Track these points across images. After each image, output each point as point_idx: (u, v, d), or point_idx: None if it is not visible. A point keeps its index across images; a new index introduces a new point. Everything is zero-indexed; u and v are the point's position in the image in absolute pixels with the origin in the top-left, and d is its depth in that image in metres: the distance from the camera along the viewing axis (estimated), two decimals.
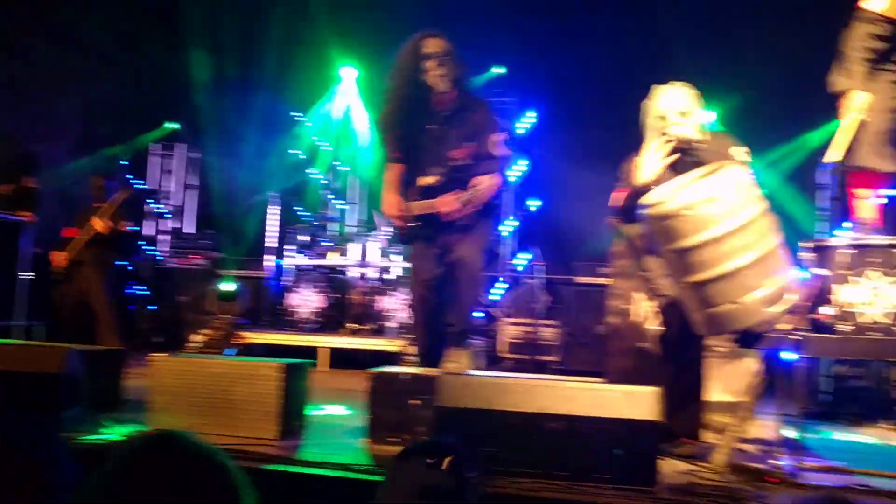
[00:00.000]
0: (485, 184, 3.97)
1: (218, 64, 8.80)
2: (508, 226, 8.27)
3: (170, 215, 9.74)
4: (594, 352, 6.51)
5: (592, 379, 3.69)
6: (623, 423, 2.89)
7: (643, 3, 7.90)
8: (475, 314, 4.20)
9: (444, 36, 4.09)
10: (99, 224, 6.34)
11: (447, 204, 3.96)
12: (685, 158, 3.54)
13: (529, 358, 6.90)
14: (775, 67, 7.33)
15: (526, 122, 8.49)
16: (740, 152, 3.54)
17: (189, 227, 9.76)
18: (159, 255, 9.13)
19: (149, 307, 8.43)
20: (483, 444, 2.92)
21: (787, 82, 7.28)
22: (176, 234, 9.24)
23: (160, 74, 9.02)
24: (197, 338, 6.76)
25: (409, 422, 3.42)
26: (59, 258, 6.44)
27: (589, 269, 7.27)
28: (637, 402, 2.92)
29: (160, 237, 9.50)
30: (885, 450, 4.40)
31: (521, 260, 7.95)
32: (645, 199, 3.36)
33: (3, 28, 8.48)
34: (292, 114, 9.10)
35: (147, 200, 9.69)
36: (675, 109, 3.56)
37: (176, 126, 9.72)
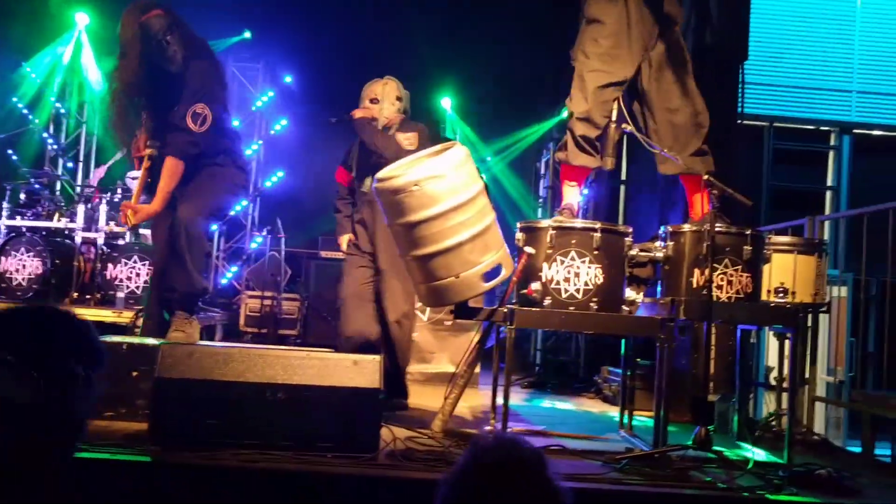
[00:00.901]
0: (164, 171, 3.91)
1: None
2: (250, 196, 8.11)
3: None
4: (334, 326, 6.59)
5: (323, 349, 3.75)
6: (346, 392, 2.97)
7: None
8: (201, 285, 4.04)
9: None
10: None
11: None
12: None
13: (270, 331, 6.84)
14: (507, 65, 7.83)
15: (270, 94, 8.34)
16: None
17: None
18: None
19: None
20: (207, 415, 2.87)
21: (514, 80, 7.83)
22: None
23: None
24: None
25: (129, 394, 3.28)
26: None
27: (332, 243, 7.33)
28: (360, 370, 3.02)
29: None
30: (579, 415, 4.94)
31: (263, 232, 7.84)
32: (378, 174, 3.46)
33: None
34: (15, 59, 8.18)
35: None
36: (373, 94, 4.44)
37: None
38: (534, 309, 3.43)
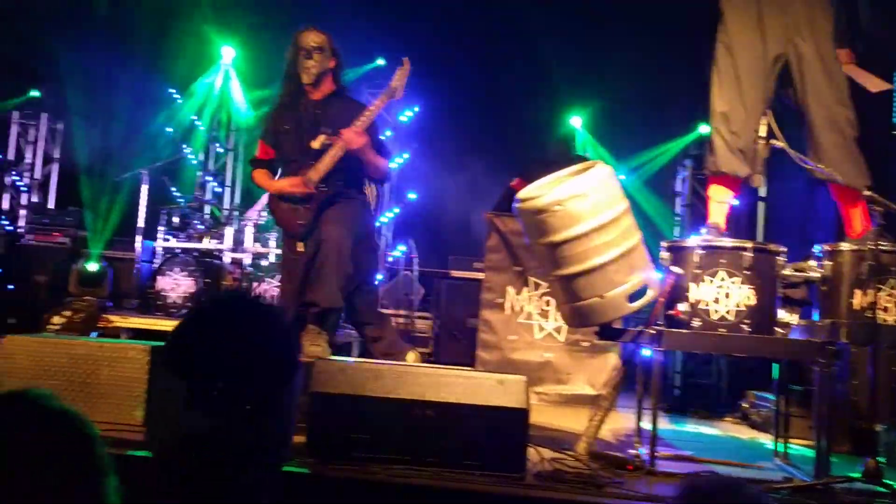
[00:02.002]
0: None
1: (88, 31, 8.37)
2: (386, 217, 8.32)
3: (26, 189, 9.16)
4: (465, 344, 6.64)
5: (463, 368, 3.79)
6: (493, 411, 2.98)
7: (520, 10, 8.12)
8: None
9: (317, 28, 4.20)
10: None
11: (352, 137, 3.98)
12: None
13: None
14: (640, 79, 7.71)
15: (408, 114, 8.54)
16: None
17: (51, 203, 9.22)
18: (14, 229, 8.60)
19: (2, 286, 7.93)
20: (358, 430, 2.95)
21: (650, 94, 7.69)
22: (36, 209, 8.72)
23: (24, 40, 8.48)
24: (55, 320, 6.40)
25: None
26: None
27: (463, 262, 7.41)
28: (507, 389, 3.02)
29: (20, 212, 8.94)
30: (726, 440, 4.75)
31: (397, 252, 8.01)
32: (518, 194, 3.48)
33: None
34: (170, 91, 8.76)
35: (7, 172, 9.09)
36: None
37: (37, 94, 9.15)
38: (682, 331, 3.34)
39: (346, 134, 4.02)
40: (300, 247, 4.17)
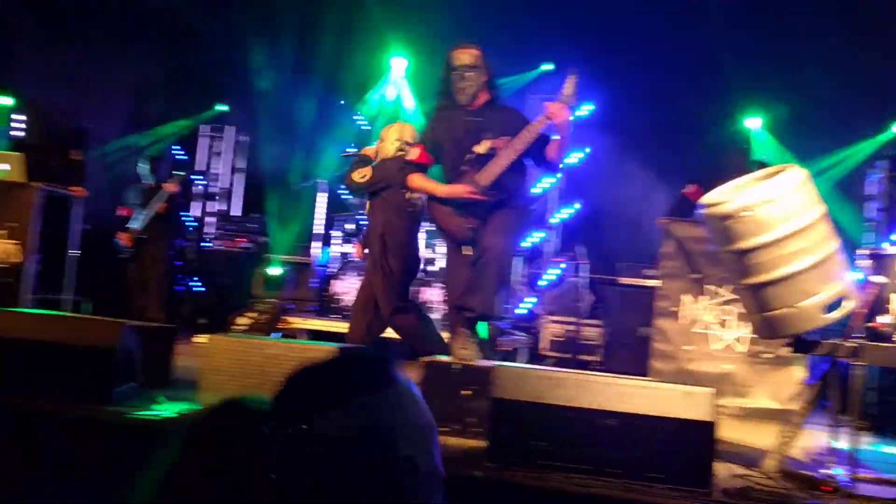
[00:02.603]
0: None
1: (271, 48, 8.90)
2: (553, 222, 8.28)
3: (217, 198, 9.88)
4: (636, 353, 6.49)
5: (645, 378, 3.70)
6: (679, 423, 2.89)
7: (697, 8, 7.84)
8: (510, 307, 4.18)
9: (471, 44, 4.24)
10: (169, 187, 6.76)
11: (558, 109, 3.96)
12: None
13: (571, 356, 6.90)
14: (826, 76, 7.23)
15: (580, 113, 8.45)
16: None
17: (236, 211, 9.89)
18: (206, 238, 9.30)
19: (194, 288, 8.58)
20: (538, 437, 2.95)
21: (837, 91, 7.19)
22: (223, 216, 9.37)
23: (212, 56, 9.15)
24: (241, 320, 6.84)
25: (460, 412, 3.46)
26: (126, 238, 6.70)
27: (633, 269, 7.24)
28: (694, 402, 2.92)
29: (207, 219, 9.65)
30: None
31: (565, 258, 7.95)
32: (704, 199, 3.35)
33: (58, 6, 8.69)
34: (342, 102, 9.15)
35: (195, 180, 9.85)
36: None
37: (225, 108, 9.84)
38: (885, 345, 3.10)
39: (552, 107, 3.96)
40: (467, 250, 4.21)
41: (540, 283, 7.95)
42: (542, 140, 4.09)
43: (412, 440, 1.05)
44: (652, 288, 5.95)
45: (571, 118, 4.07)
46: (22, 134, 8.50)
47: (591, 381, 3.07)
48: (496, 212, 4.10)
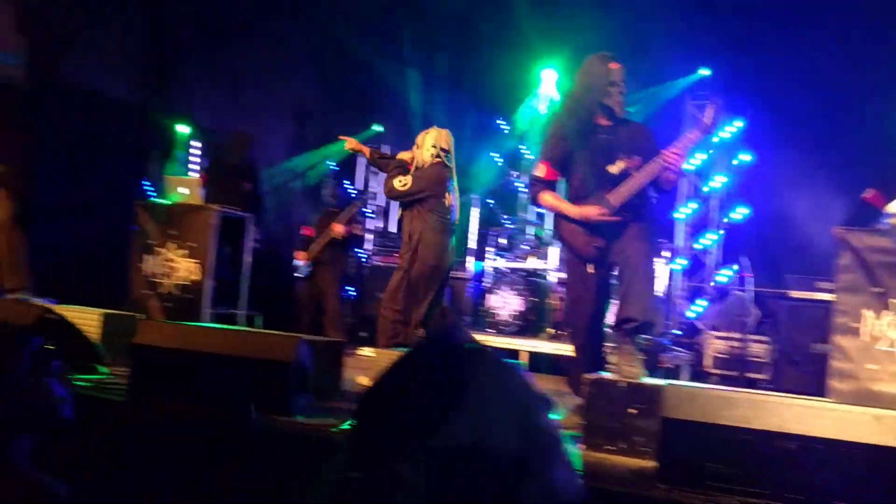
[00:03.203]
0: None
1: (425, 68, 9.13)
2: (712, 236, 7.99)
3: (374, 215, 10.22)
4: (808, 372, 6.12)
5: (824, 399, 3.48)
6: (867, 449, 2.70)
7: (863, 8, 7.34)
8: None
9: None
10: (337, 229, 7.08)
11: (668, 157, 3.94)
12: None
13: (737, 374, 6.59)
14: None
15: (732, 128, 8.14)
16: None
17: (393, 227, 10.19)
18: (364, 254, 9.64)
19: (354, 302, 8.90)
20: (711, 459, 2.83)
21: None
22: (381, 233, 9.67)
23: (366, 77, 9.50)
24: None
25: (627, 430, 3.39)
26: (302, 257, 7.11)
27: (803, 282, 6.84)
28: (886, 426, 2.71)
29: (366, 236, 9.99)
30: None
31: (728, 271, 7.64)
32: (889, 208, 3.13)
33: (220, 29, 9.32)
34: (497, 121, 9.24)
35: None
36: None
37: (381, 129, 10.17)
38: None
39: (668, 156, 3.94)
40: (590, 269, 4.14)
41: (711, 284, 7.68)
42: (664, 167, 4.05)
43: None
44: (825, 302, 5.60)
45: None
46: (197, 161, 9.18)
47: (767, 402, 2.92)
48: (626, 227, 4.05)
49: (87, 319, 4.39)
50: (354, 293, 8.92)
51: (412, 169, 5.32)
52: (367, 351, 6.51)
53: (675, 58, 8.02)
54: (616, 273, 4.12)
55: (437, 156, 5.25)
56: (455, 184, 5.41)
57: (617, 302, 4.10)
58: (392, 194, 5.46)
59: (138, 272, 6.52)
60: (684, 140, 4.06)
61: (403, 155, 5.51)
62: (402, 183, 5.23)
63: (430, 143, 5.29)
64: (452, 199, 5.32)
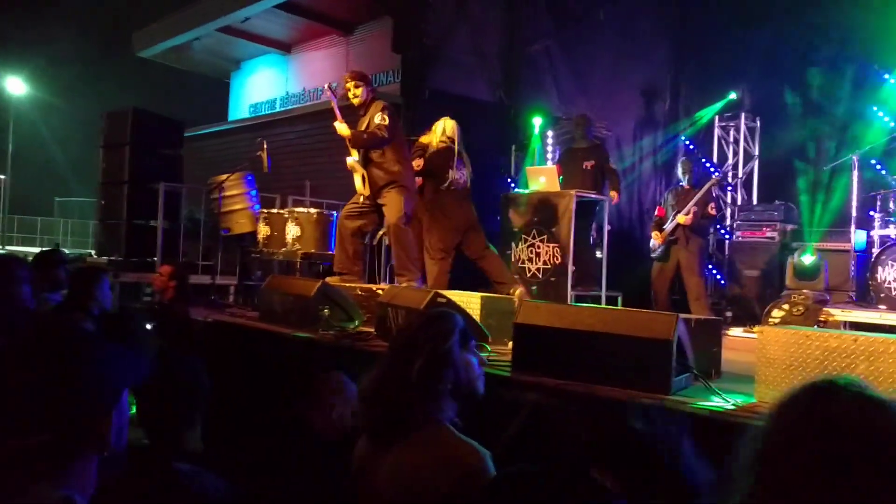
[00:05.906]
0: None
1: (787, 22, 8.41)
2: None
3: (731, 188, 9.66)
4: None
5: None
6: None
7: None
8: None
9: None
10: (681, 219, 7.01)
11: None
12: None
13: None
14: None
15: None
16: None
17: (753, 199, 9.54)
18: (725, 230, 9.17)
19: (720, 281, 8.52)
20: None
21: None
22: (742, 206, 9.12)
23: (718, 47, 9.04)
24: (775, 313, 6.53)
25: None
26: (659, 237, 7.07)
27: None
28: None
29: (727, 210, 9.50)
30: None
31: None
32: None
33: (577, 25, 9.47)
34: (878, 70, 8.11)
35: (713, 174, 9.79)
36: None
37: (735, 96, 9.55)
38: None
39: None
40: None
41: None
42: None
43: None
44: None
45: None
46: (551, 149, 9.47)
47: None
48: None
49: (470, 302, 4.71)
50: (717, 272, 8.54)
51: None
52: (755, 329, 6.18)
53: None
54: None
55: (443, 141, 6.17)
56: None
57: None
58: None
59: (506, 259, 6.92)
60: None
61: (424, 138, 6.38)
62: (418, 165, 6.17)
63: (439, 131, 6.23)
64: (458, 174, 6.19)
